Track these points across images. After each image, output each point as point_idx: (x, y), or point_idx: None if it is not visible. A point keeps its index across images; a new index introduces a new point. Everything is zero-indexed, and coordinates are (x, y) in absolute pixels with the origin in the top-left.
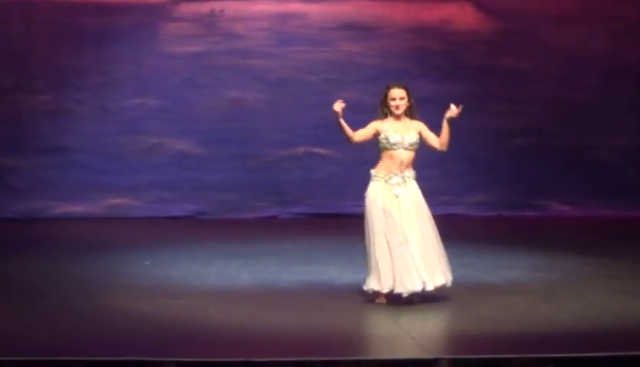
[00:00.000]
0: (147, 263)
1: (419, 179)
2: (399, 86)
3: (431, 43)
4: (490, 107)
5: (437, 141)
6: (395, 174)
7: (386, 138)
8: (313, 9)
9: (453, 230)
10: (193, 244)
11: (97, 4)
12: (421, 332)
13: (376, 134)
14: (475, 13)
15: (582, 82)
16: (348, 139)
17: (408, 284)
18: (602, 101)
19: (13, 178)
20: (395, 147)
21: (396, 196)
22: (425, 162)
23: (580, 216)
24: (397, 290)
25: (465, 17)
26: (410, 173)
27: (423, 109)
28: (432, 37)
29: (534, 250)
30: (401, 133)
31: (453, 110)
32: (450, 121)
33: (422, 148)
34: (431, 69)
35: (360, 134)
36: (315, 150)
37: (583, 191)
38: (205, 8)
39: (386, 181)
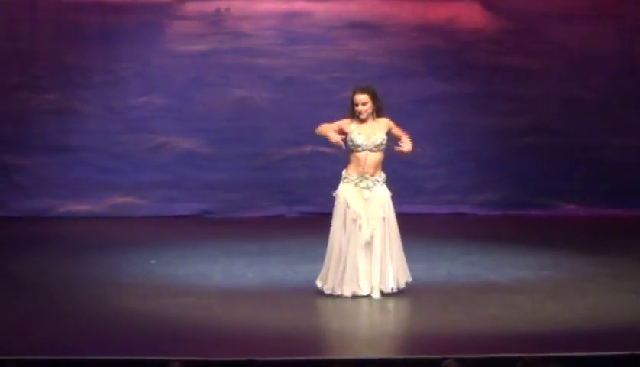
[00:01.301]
0: (153, 262)
1: (425, 178)
2: (362, 90)
3: (437, 41)
4: (497, 106)
5: (404, 140)
6: (366, 178)
7: (351, 140)
8: (319, 8)
9: (459, 229)
10: (199, 243)
11: (102, 3)
12: (427, 331)
13: (341, 134)
14: (482, 11)
15: (589, 81)
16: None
17: (355, 287)
18: (610, 100)
19: (18, 177)
20: (359, 148)
21: (365, 200)
22: (431, 161)
23: (586, 215)
24: (341, 292)
25: (472, 16)
26: (380, 176)
27: (429, 108)
28: (439, 35)
29: (540, 249)
30: (366, 134)
31: (402, 148)
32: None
33: (430, 149)
34: (438, 67)
35: (322, 128)
36: (322, 149)
37: (589, 190)
38: (211, 6)
39: (356, 184)
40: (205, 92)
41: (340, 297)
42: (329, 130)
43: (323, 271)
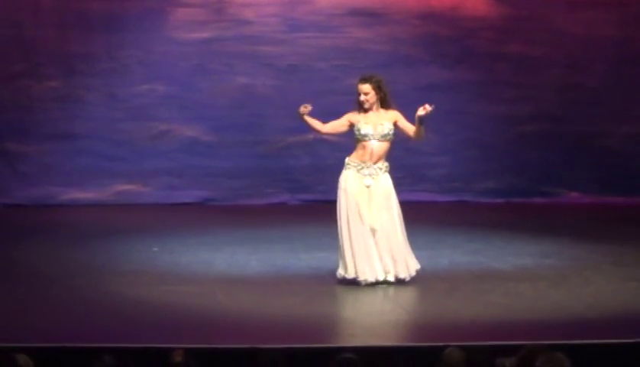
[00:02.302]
0: (156, 249)
1: (428, 166)
2: (365, 80)
3: (440, 29)
4: (500, 93)
5: (414, 133)
6: (368, 166)
7: (358, 130)
8: None
9: (462, 217)
10: (202, 230)
11: None
12: (430, 319)
13: (350, 127)
14: None
15: (592, 68)
16: (318, 132)
17: (369, 274)
18: (613, 88)
19: (21, 164)
20: (366, 138)
21: (367, 187)
22: (434, 149)
23: (589, 203)
24: (359, 279)
25: (475, 4)
26: (383, 164)
27: (432, 95)
28: (442, 23)
29: (543, 237)
30: (373, 124)
31: (426, 108)
32: (421, 119)
33: (433, 136)
34: (441, 55)
35: (330, 126)
36: (325, 137)
37: (592, 178)
38: None
39: (357, 170)
40: (207, 79)
41: (353, 282)
42: (316, 122)
43: (341, 260)
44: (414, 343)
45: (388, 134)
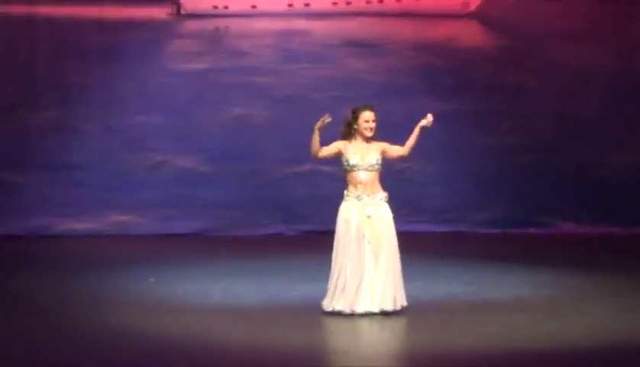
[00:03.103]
0: (152, 280)
1: (424, 197)
2: (371, 108)
3: (436, 60)
4: (496, 124)
5: (402, 149)
6: (368, 195)
7: (347, 160)
8: (317, 26)
9: (458, 247)
10: (198, 261)
11: (101, 21)
12: (426, 350)
13: (338, 155)
14: (481, 30)
15: (588, 99)
16: (314, 152)
17: (359, 305)
18: (608, 118)
19: (18, 194)
20: (355, 168)
21: (368, 217)
22: (430, 180)
23: (584, 233)
24: (351, 310)
25: (471, 34)
26: (382, 194)
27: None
28: (438, 54)
29: (538, 267)
30: (361, 155)
31: (429, 119)
32: (423, 129)
33: (427, 167)
34: (437, 86)
35: (325, 151)
36: (320, 167)
37: (587, 208)
38: (209, 25)
39: (358, 201)
40: (203, 110)
41: (340, 314)
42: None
43: (329, 291)
44: None
45: (376, 164)
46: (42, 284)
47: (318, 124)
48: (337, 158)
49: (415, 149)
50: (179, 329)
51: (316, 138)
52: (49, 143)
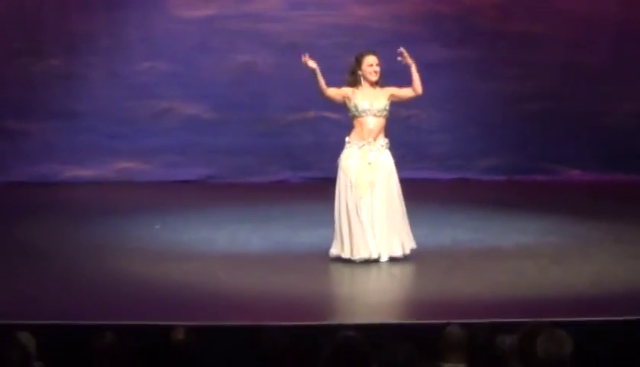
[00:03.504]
0: (157, 227)
1: (430, 144)
2: (374, 53)
3: (442, 7)
4: (501, 71)
5: (411, 89)
6: (369, 143)
7: (355, 106)
8: None
9: (463, 194)
10: (203, 208)
11: None
12: (431, 297)
13: (345, 99)
14: None
15: (594, 46)
16: (321, 91)
17: (363, 252)
18: (615, 66)
19: (23, 142)
20: (363, 114)
21: (369, 164)
22: (436, 127)
23: (590, 180)
24: (354, 257)
25: None
26: (384, 141)
27: (434, 73)
28: (443, 1)
29: (544, 214)
30: (369, 100)
31: (403, 55)
32: (410, 63)
33: (433, 114)
34: (442, 33)
35: (332, 91)
36: (326, 114)
37: (594, 155)
38: None
39: (359, 148)
40: (209, 57)
41: (348, 261)
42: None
43: (335, 239)
44: (415, 321)
45: (385, 109)
46: (47, 231)
47: (312, 68)
48: (343, 103)
49: (421, 84)
50: (184, 276)
51: (317, 79)
52: (54, 90)
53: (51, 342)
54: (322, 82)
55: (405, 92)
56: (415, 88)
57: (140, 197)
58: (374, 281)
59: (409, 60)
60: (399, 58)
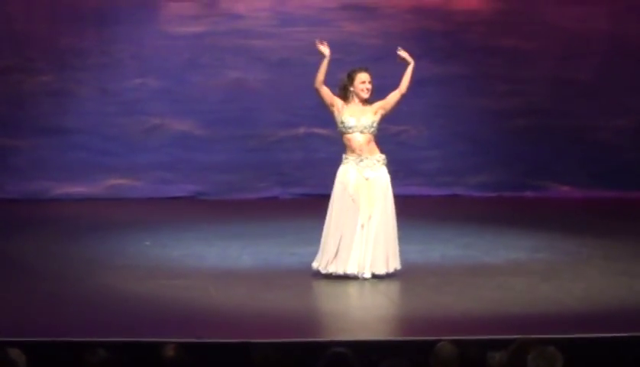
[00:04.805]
0: (148, 243)
1: (420, 160)
2: (367, 69)
3: (432, 23)
4: (491, 88)
5: (397, 90)
6: (366, 158)
7: (342, 122)
8: None
9: (453, 210)
10: (194, 224)
11: None
12: (422, 313)
13: (334, 109)
14: None
15: (583, 62)
16: (317, 81)
17: (349, 267)
18: (604, 81)
19: (13, 159)
20: (350, 130)
21: (367, 180)
22: (426, 143)
23: (580, 197)
24: (338, 272)
25: None
26: (380, 156)
27: (424, 89)
28: (433, 17)
29: (534, 231)
30: (357, 116)
31: (403, 55)
32: (410, 61)
33: (423, 130)
34: (432, 49)
35: (326, 90)
36: (316, 130)
37: (583, 172)
38: None
39: (356, 163)
40: (199, 73)
41: (331, 275)
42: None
43: (319, 252)
44: (405, 338)
45: (372, 126)
46: (37, 247)
47: (321, 49)
48: (328, 108)
49: (410, 85)
50: (174, 293)
51: (321, 67)
52: (44, 107)
53: (41, 359)
54: (324, 73)
55: (392, 98)
56: (401, 87)
57: (130, 214)
58: (365, 298)
59: (409, 59)
60: (399, 59)
